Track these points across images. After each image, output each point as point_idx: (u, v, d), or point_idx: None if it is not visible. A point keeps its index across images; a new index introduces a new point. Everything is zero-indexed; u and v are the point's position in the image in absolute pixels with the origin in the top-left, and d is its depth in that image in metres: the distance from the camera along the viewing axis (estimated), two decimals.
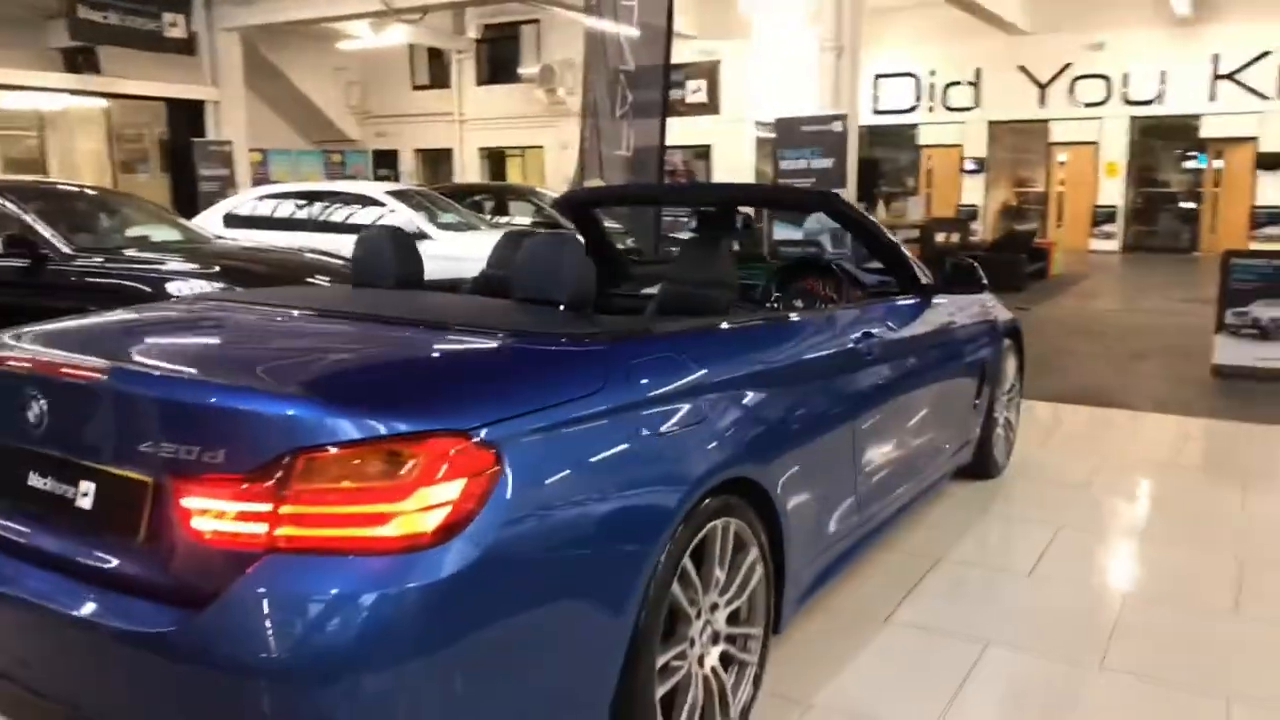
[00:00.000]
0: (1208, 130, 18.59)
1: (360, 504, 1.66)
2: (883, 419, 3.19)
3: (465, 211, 9.85)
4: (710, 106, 21.00)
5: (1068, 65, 19.36)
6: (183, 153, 17.16)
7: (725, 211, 3.95)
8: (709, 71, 20.82)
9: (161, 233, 6.79)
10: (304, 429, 1.68)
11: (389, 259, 2.98)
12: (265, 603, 1.64)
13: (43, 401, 1.92)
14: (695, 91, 21.01)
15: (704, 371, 2.33)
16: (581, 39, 21.20)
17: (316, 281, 6.41)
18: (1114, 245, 19.46)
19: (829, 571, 2.94)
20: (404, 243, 3.05)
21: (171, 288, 6.00)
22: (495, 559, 1.70)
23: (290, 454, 1.66)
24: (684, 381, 2.26)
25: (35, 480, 2.00)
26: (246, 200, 9.40)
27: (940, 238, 14.49)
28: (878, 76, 20.92)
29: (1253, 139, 18.13)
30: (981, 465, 4.45)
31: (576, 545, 1.87)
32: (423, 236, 8.69)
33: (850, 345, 3.05)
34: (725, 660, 2.36)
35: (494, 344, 2.14)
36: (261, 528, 1.67)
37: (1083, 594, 3.41)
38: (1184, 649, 3.00)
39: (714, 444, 2.24)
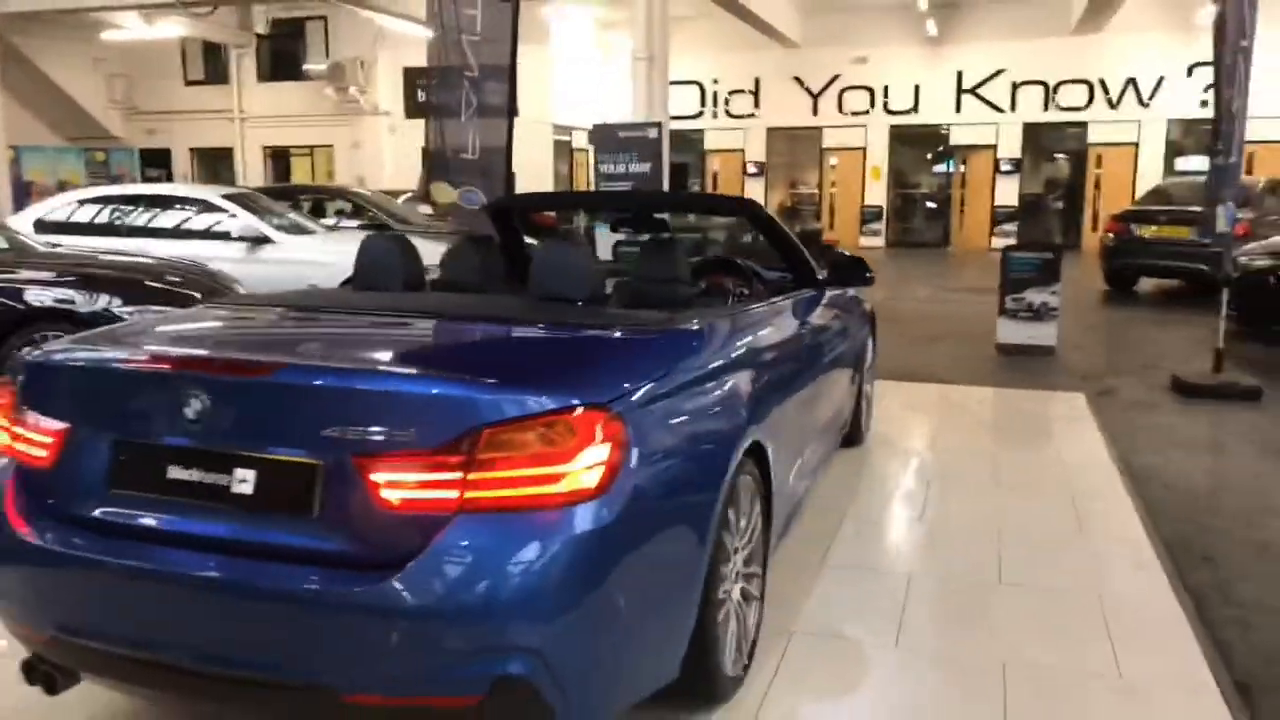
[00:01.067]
0: (955, 138, 20.94)
1: (537, 467, 2.01)
2: (814, 392, 3.78)
3: (295, 215, 9.71)
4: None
5: (836, 77, 21.20)
6: None
7: (648, 217, 4.42)
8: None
9: None
10: (488, 407, 2.00)
11: (396, 263, 3.23)
12: (465, 555, 1.96)
13: (202, 398, 2.10)
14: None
15: (742, 350, 2.87)
16: (373, 36, 21.06)
17: (172, 284, 6.33)
18: (880, 241, 21.49)
19: (790, 521, 3.50)
20: (407, 248, 3.30)
21: (30, 296, 5.76)
22: (631, 506, 2.10)
23: (476, 429, 1.98)
24: (732, 358, 2.79)
25: (178, 473, 2.17)
26: (60, 205, 8.83)
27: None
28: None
29: (992, 146, 20.62)
30: (855, 434, 5.17)
31: (674, 491, 2.30)
32: (265, 241, 8.56)
33: (801, 330, 3.62)
34: (745, 596, 2.84)
35: (603, 333, 2.52)
36: (453, 494, 1.98)
37: (969, 526, 4.15)
38: (1050, 551, 3.79)
39: (747, 411, 2.73)
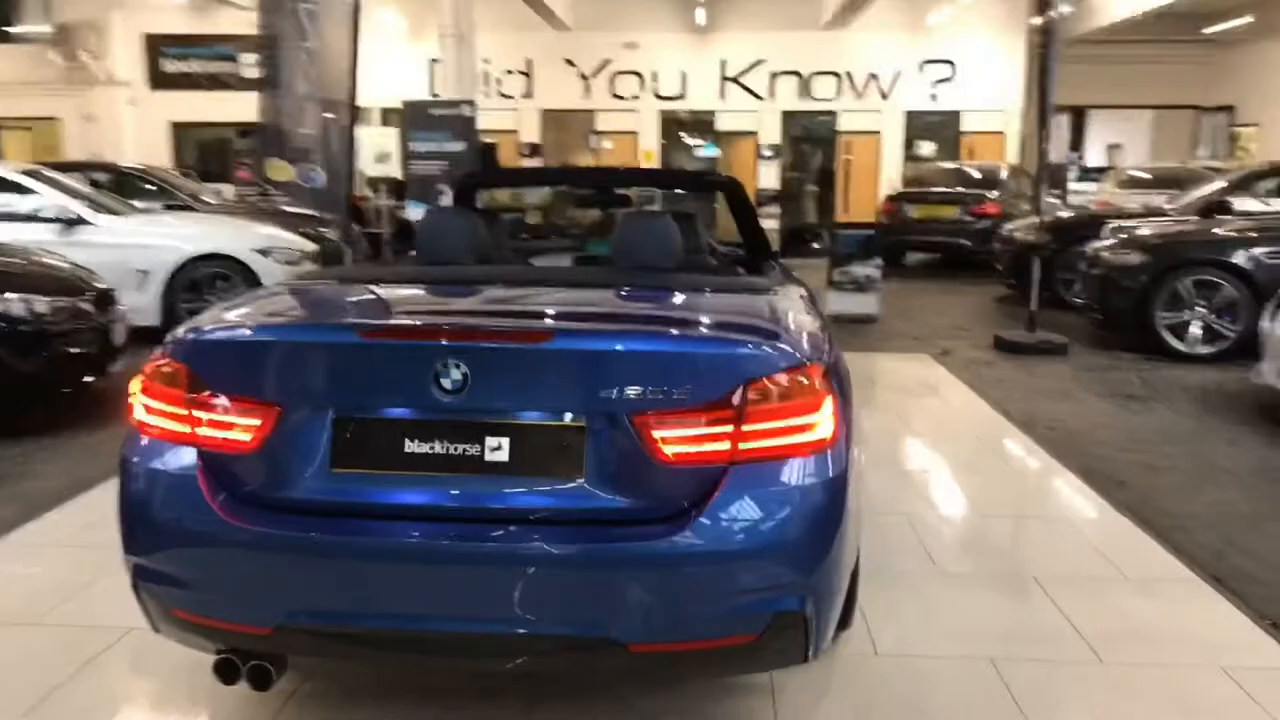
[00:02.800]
0: (721, 125, 22.09)
1: (793, 417, 2.16)
2: None
3: (108, 195, 8.77)
4: (269, 83, 19.89)
5: (608, 61, 21.67)
6: None
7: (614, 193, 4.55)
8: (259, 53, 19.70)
9: None
10: (754, 363, 2.12)
11: (465, 237, 3.18)
12: (745, 504, 2.08)
13: (460, 368, 2.05)
14: (251, 66, 19.75)
15: None
16: None
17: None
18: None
19: None
20: (475, 222, 3.26)
21: None
22: (847, 450, 2.30)
23: (744, 384, 2.11)
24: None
25: (417, 446, 2.11)
26: None
27: None
28: (433, 61, 21.44)
29: (753, 133, 21.96)
30: None
31: (851, 436, 2.52)
32: (80, 223, 7.69)
33: None
34: None
35: (775, 296, 2.64)
36: (725, 445, 2.09)
37: (922, 469, 4.64)
38: (1003, 485, 4.35)
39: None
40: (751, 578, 2.09)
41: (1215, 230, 7.83)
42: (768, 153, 22.01)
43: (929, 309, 10.60)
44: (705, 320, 2.42)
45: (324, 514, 2.12)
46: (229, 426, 2.15)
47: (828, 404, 2.19)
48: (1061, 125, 25.50)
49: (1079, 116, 25.68)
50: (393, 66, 19.64)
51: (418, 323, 2.24)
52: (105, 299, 5.83)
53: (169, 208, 9.98)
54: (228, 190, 13.88)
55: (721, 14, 20.99)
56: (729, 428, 2.09)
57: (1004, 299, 11.02)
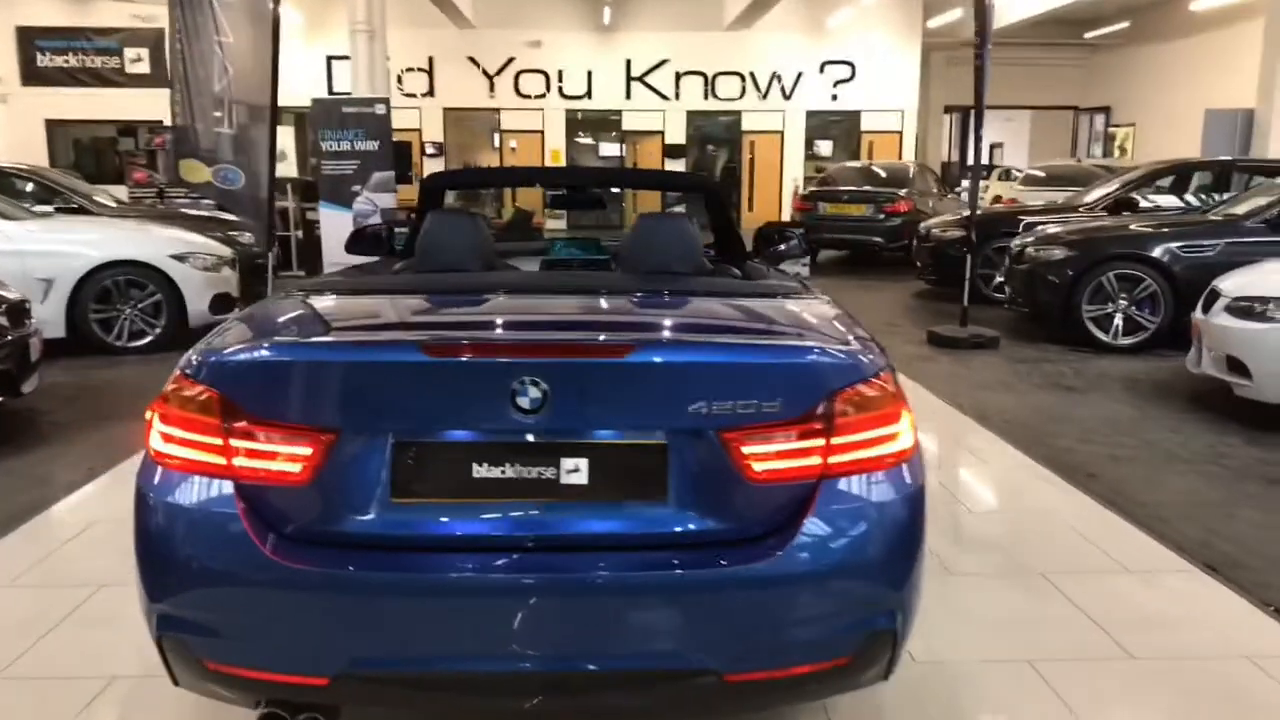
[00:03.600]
0: (627, 124, 22.05)
1: (878, 428, 2.09)
2: None
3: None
4: (155, 78, 18.95)
5: (512, 59, 21.40)
6: None
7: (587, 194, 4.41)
8: (152, 40, 18.77)
9: None
10: (841, 373, 2.04)
11: (470, 242, 3.00)
12: (838, 521, 1.99)
13: (538, 386, 1.90)
14: (136, 61, 18.79)
15: None
16: None
17: None
18: (563, 224, 22.07)
19: None
20: (479, 226, 3.08)
21: None
22: (921, 458, 2.25)
23: (832, 395, 2.02)
24: None
25: (485, 471, 1.96)
26: None
27: None
28: (330, 58, 20.80)
29: (660, 132, 21.99)
30: None
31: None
32: None
33: None
34: None
35: (823, 303, 2.56)
36: (816, 460, 2.01)
37: None
38: (978, 479, 4.40)
39: None
40: (848, 597, 2.01)
41: (1134, 226, 8.16)
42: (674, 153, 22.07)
43: (855, 306, 10.68)
44: (784, 328, 2.32)
45: (386, 548, 1.95)
46: (273, 456, 1.95)
47: (906, 413, 2.13)
48: (945, 125, 26.51)
49: (964, 117, 26.70)
50: (287, 63, 18.89)
51: (494, 337, 2.07)
52: (17, 311, 5.38)
53: (60, 211, 9.32)
54: (118, 192, 13.11)
55: (627, 14, 20.96)
56: (819, 441, 2.00)
57: (923, 294, 11.27)
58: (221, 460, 1.96)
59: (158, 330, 7.42)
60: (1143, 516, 4.05)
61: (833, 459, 2.02)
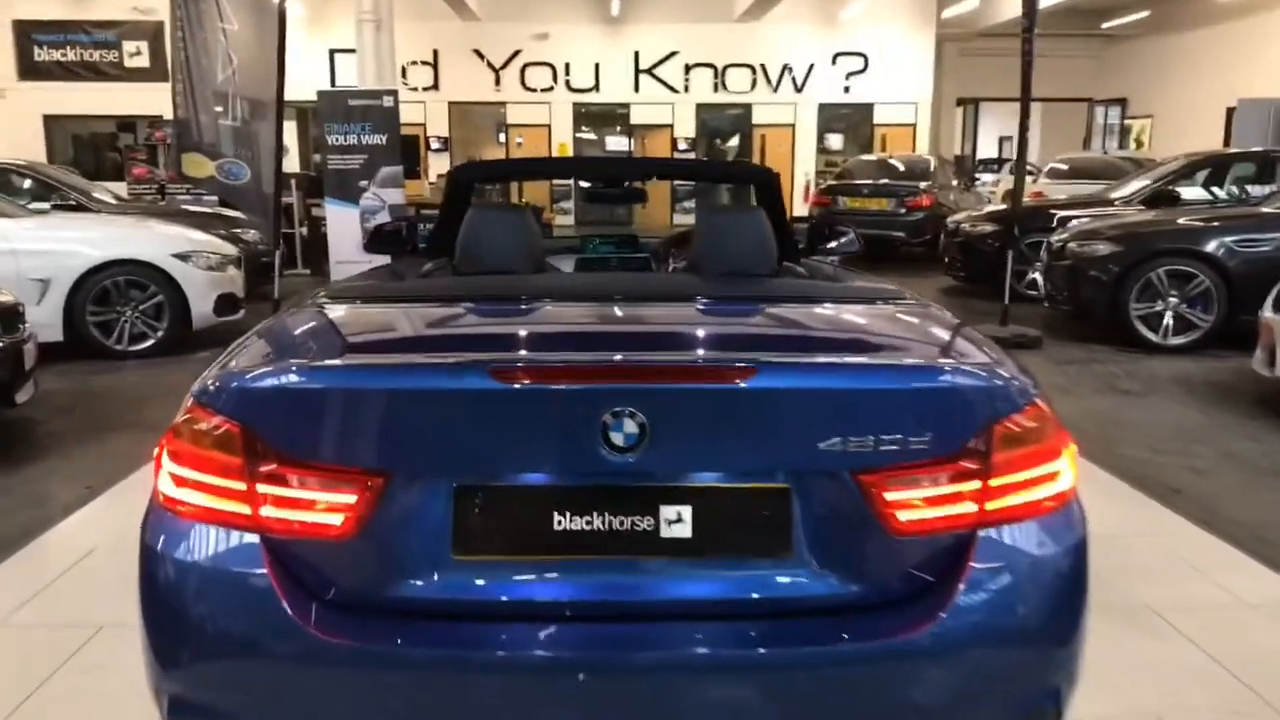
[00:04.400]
0: (635, 117, 21.65)
1: (1038, 465, 1.72)
2: None
3: None
4: (155, 72, 18.54)
5: (518, 52, 20.99)
6: None
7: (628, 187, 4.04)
8: (152, 33, 18.37)
9: None
10: (999, 401, 1.67)
11: (521, 240, 2.63)
12: (1002, 578, 1.63)
13: (634, 417, 1.54)
14: (135, 54, 18.40)
15: None
16: None
17: None
18: (570, 220, 21.73)
19: None
20: (527, 221, 2.71)
21: None
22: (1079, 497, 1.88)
23: (989, 426, 1.66)
24: None
25: (570, 522, 1.59)
26: None
27: None
28: (333, 51, 20.41)
29: (669, 125, 21.59)
30: None
31: None
32: None
33: None
34: None
35: (943, 312, 2.19)
36: (971, 507, 1.64)
37: None
38: None
39: None
40: (1010, 673, 1.65)
41: (1184, 220, 7.78)
42: (683, 146, 21.67)
43: None
44: (917, 345, 1.96)
45: (447, 617, 1.59)
46: (309, 505, 1.59)
47: (1068, 446, 1.76)
48: (956, 118, 26.12)
49: (977, 110, 26.31)
50: (290, 57, 18.53)
51: (579, 359, 1.70)
52: (10, 315, 5.01)
53: (57, 208, 8.95)
54: (118, 188, 12.75)
55: (635, 5, 20.55)
56: (975, 484, 1.64)
57: (950, 291, 10.90)
58: (246, 509, 1.60)
59: (160, 333, 7.05)
60: (1245, 540, 3.69)
61: (990, 504, 1.66)
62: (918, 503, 1.63)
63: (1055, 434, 1.74)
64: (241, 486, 1.60)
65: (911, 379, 1.70)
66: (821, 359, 1.78)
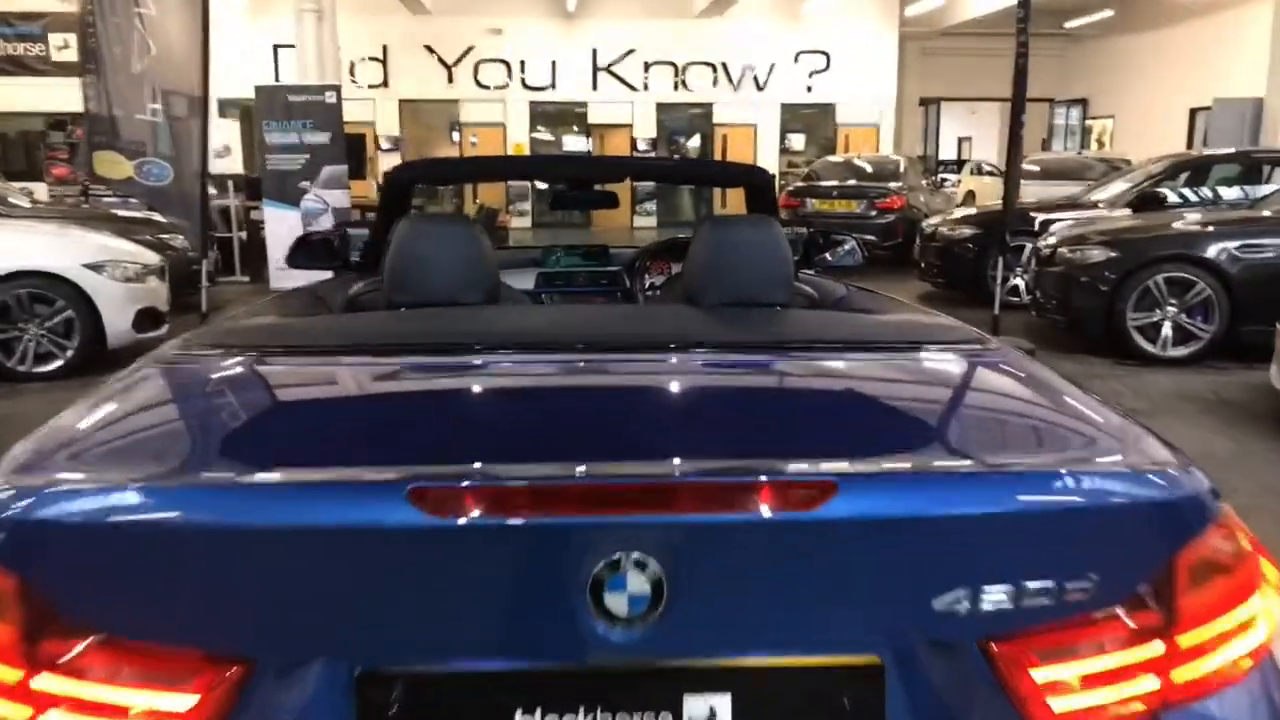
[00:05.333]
0: (594, 117, 21.05)
1: (1233, 608, 1.16)
2: None
3: None
4: (95, 61, 17.53)
5: (471, 48, 20.30)
6: None
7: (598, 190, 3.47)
8: (81, 24, 17.38)
9: None
10: (1179, 518, 1.12)
11: (465, 258, 2.01)
12: None
13: (643, 569, 0.96)
14: (63, 48, 17.39)
15: None
16: None
17: None
18: (527, 222, 21.06)
19: None
20: (475, 235, 2.09)
21: None
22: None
23: (1171, 558, 1.10)
24: None
25: None
26: None
27: None
28: (277, 47, 19.55)
29: (628, 125, 21.02)
30: None
31: None
32: None
33: None
34: None
35: (1051, 374, 1.60)
36: (1153, 683, 1.08)
37: None
38: None
39: None
40: None
41: (1180, 224, 7.37)
42: (644, 146, 21.12)
43: None
44: (1065, 433, 1.37)
45: None
46: (121, 713, 0.98)
47: (1268, 576, 1.21)
48: (918, 118, 25.90)
49: (939, 110, 26.11)
50: (230, 51, 17.66)
51: (552, 474, 1.08)
52: None
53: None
54: (39, 190, 11.88)
55: (592, 0, 19.96)
56: (1158, 646, 1.08)
57: (927, 298, 10.44)
58: (24, 713, 0.99)
59: (69, 353, 6.29)
60: None
61: (1177, 674, 1.09)
62: (1078, 683, 1.06)
63: (1249, 562, 1.18)
64: (16, 676, 0.99)
65: (1066, 489, 1.13)
66: (938, 464, 1.20)
